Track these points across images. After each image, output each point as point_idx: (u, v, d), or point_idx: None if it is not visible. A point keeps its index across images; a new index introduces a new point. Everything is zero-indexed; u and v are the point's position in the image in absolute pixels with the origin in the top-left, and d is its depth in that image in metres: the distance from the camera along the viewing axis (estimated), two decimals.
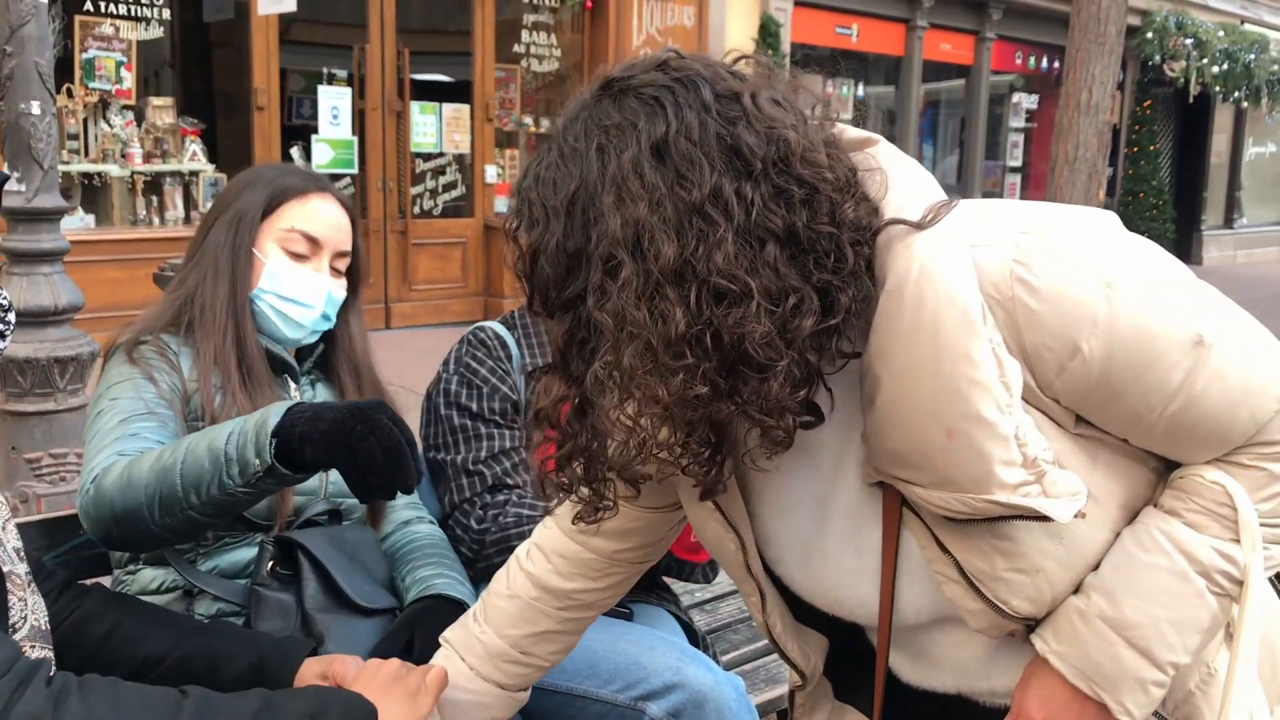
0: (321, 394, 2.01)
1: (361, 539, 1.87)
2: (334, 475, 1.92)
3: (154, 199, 8.57)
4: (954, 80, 14.29)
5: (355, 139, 9.22)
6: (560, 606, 1.56)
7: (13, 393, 3.07)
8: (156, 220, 8.55)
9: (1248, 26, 17.29)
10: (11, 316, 1.33)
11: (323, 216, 1.93)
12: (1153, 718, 1.21)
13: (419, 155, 9.73)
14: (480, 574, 2.17)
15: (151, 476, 1.53)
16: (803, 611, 1.38)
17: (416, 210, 9.74)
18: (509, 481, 2.14)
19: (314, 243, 1.91)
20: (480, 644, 1.57)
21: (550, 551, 1.55)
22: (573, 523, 1.32)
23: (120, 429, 1.69)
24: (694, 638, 2.30)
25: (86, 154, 8.25)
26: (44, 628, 1.29)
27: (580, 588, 1.55)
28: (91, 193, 8.36)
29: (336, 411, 1.48)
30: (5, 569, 1.22)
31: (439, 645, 1.74)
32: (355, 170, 9.23)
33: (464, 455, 2.15)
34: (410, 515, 2.08)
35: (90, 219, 8.22)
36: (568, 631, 1.61)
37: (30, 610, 1.25)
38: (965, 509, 1.09)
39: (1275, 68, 17.57)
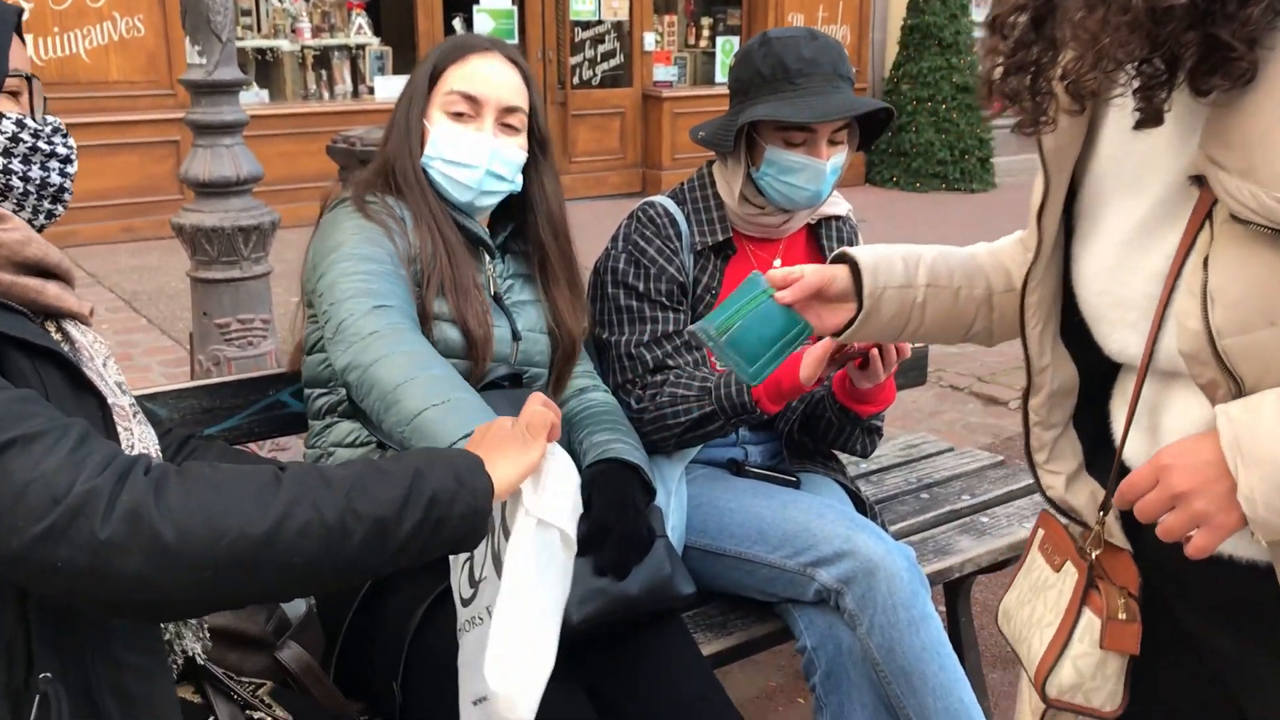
0: (512, 268, 2.03)
1: None
2: (524, 345, 1.96)
3: (323, 73, 8.76)
4: None
5: (515, 8, 9.18)
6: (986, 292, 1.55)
7: (201, 260, 3.20)
8: (326, 94, 8.75)
9: None
10: (71, 141, 1.34)
11: (483, 74, 1.91)
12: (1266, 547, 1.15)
13: (578, 24, 9.62)
14: None
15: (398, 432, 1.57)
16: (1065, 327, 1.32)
17: (575, 81, 9.68)
18: (669, 364, 2.14)
19: (473, 101, 1.90)
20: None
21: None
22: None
23: (369, 284, 1.72)
24: (861, 507, 2.29)
25: (259, 30, 8.45)
26: (154, 454, 1.33)
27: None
28: (264, 68, 8.59)
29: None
30: (111, 401, 1.26)
31: (616, 508, 1.77)
32: (515, 40, 9.19)
33: (628, 336, 2.15)
34: (587, 383, 2.11)
35: (264, 94, 8.47)
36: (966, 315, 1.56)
37: (138, 439, 1.30)
38: (1256, 206, 1.04)
39: None
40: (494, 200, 1.97)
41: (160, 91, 7.68)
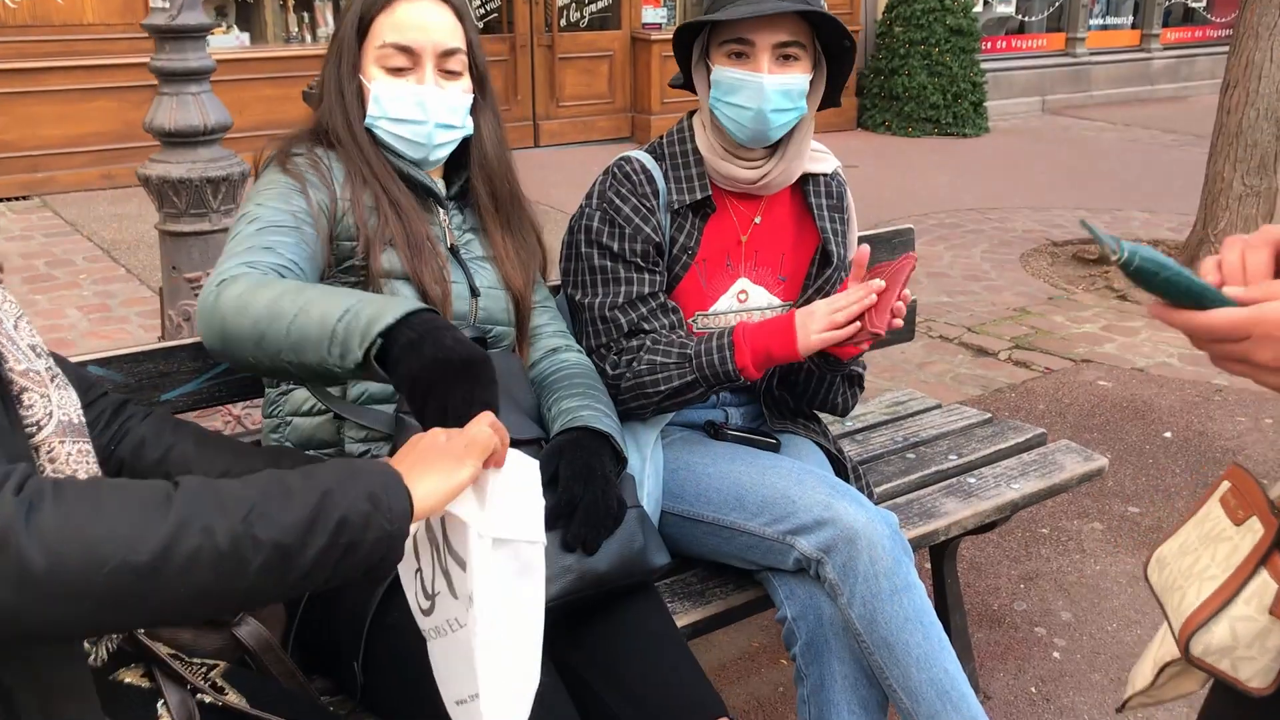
0: (470, 220, 1.94)
1: (508, 366, 1.83)
2: (484, 302, 1.88)
3: (305, 15, 8.56)
4: None
5: None
6: None
7: (170, 213, 3.11)
8: (308, 37, 8.55)
9: None
10: None
11: (413, 21, 1.81)
12: None
13: None
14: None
15: (264, 313, 1.44)
16: None
17: (563, 23, 9.49)
18: (645, 327, 2.06)
19: (408, 52, 1.81)
20: None
21: None
22: None
23: (257, 238, 1.63)
24: (842, 471, 2.23)
25: None
26: (75, 421, 1.25)
27: None
28: (245, 11, 8.39)
29: (446, 350, 1.32)
30: (20, 367, 1.18)
31: (583, 480, 1.71)
32: None
33: (601, 299, 2.08)
34: (559, 343, 2.03)
35: (245, 37, 8.28)
36: None
37: (56, 405, 1.21)
38: None
39: None
40: (448, 150, 1.89)
41: (138, 35, 7.48)
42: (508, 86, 9.12)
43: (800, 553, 1.90)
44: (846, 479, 2.24)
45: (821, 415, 2.35)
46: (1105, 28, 13.05)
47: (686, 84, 2.16)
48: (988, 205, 7.66)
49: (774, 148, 2.10)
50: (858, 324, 1.87)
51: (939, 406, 2.96)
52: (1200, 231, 5.90)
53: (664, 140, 2.17)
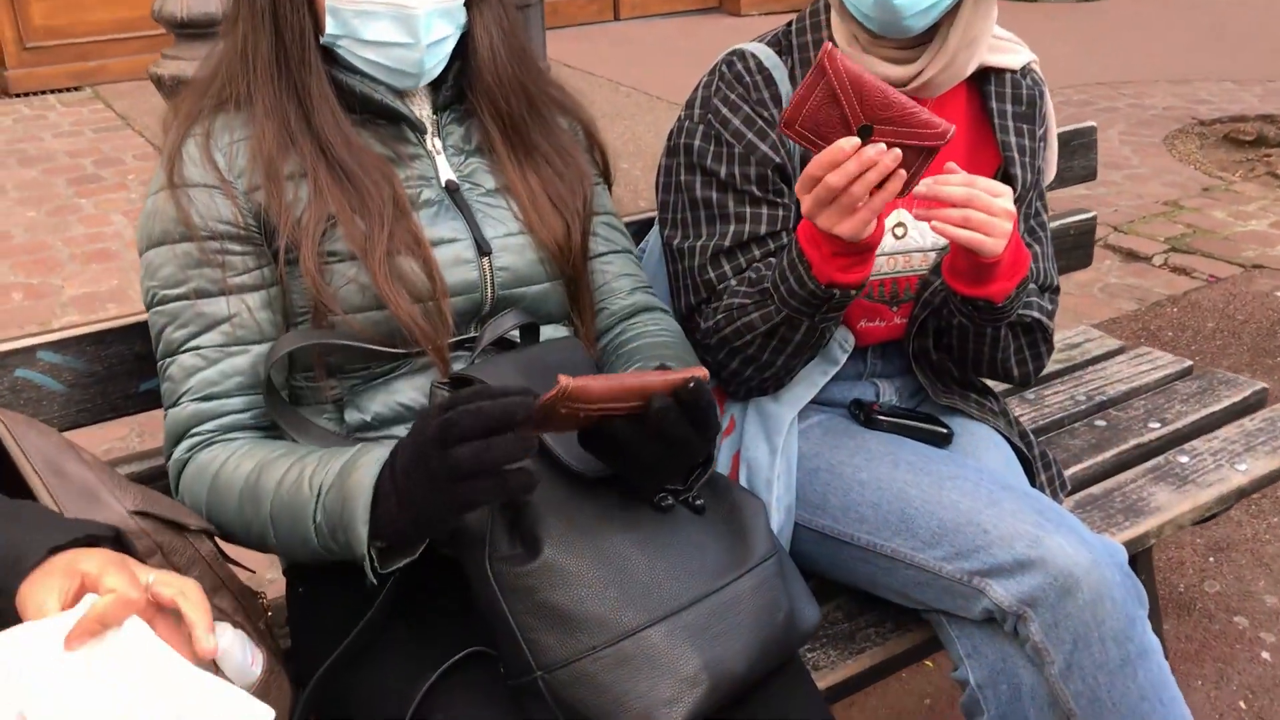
0: (477, 136, 1.40)
1: (569, 358, 1.31)
2: (502, 259, 1.36)
3: None
4: None
5: None
6: None
7: None
8: None
9: None
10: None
11: None
12: None
13: None
14: (731, 392, 1.62)
15: (237, 524, 1.22)
16: None
17: None
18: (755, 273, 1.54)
19: None
20: None
21: None
22: None
23: (187, 380, 1.27)
24: (1030, 468, 1.70)
25: None
26: None
27: None
28: None
29: (439, 516, 1.06)
30: None
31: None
32: None
33: (704, 241, 1.55)
34: (640, 301, 1.51)
35: None
36: None
37: None
38: None
39: None
40: (442, 64, 1.34)
41: None
42: None
43: (993, 601, 1.39)
44: (1032, 472, 1.71)
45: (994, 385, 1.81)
46: None
47: None
48: (1119, 78, 6.84)
49: (930, 34, 1.51)
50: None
51: (1123, 350, 2.39)
52: None
53: (791, 29, 1.61)
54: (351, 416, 1.30)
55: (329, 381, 1.30)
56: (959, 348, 1.62)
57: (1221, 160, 5.41)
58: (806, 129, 1.28)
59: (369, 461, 1.09)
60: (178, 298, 1.26)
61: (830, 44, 1.26)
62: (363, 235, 1.25)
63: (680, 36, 8.17)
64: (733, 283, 1.53)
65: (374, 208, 1.26)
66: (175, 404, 1.27)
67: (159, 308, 1.28)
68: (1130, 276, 4.13)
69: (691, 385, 1.08)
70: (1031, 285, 1.61)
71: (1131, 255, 4.30)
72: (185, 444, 1.27)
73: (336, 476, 1.11)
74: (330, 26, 1.26)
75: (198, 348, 1.26)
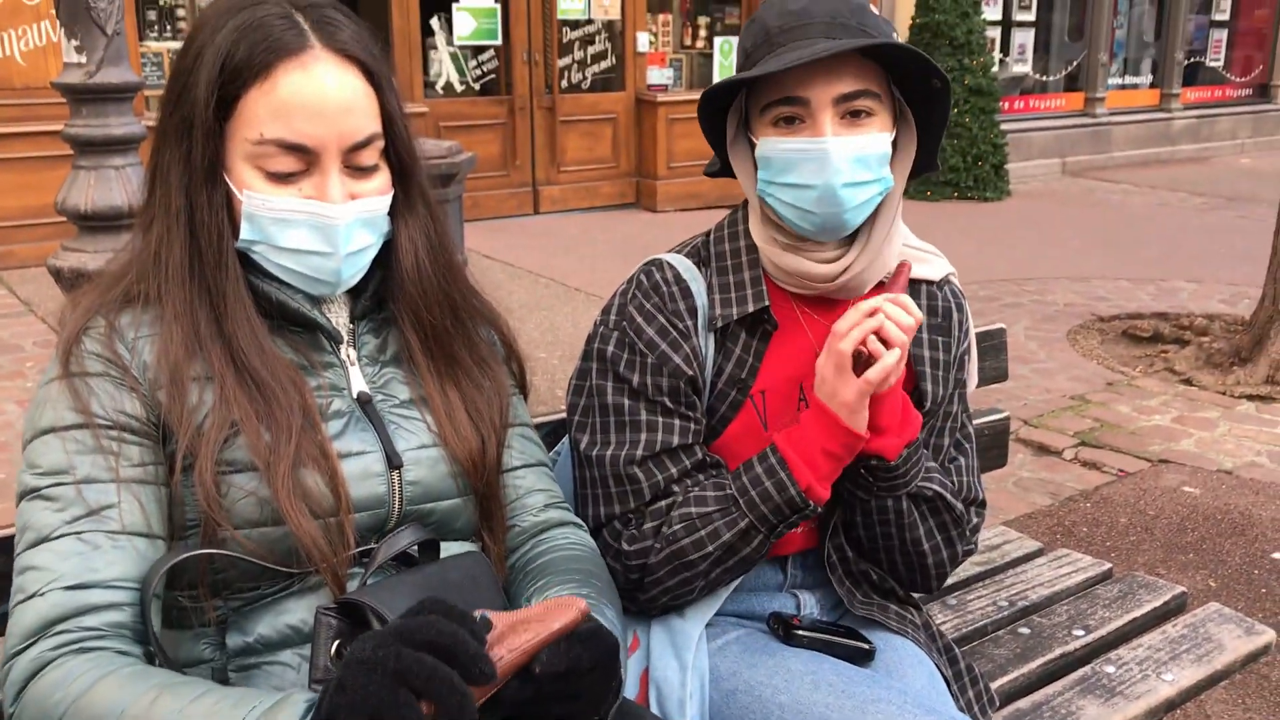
0: (394, 345, 1.34)
1: (471, 575, 1.22)
2: (414, 473, 1.28)
3: None
4: None
5: (498, 6, 8.51)
6: None
7: None
8: None
9: None
10: None
11: (305, 102, 1.18)
12: None
13: (566, 23, 8.97)
14: (641, 608, 1.54)
15: None
16: None
17: (564, 84, 9.02)
18: (674, 490, 1.49)
19: (301, 152, 1.19)
20: None
21: None
22: None
23: (60, 558, 1.11)
24: (953, 670, 1.64)
25: (175, 32, 7.75)
26: None
27: None
28: None
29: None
30: None
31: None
32: (499, 41, 8.55)
33: (615, 450, 1.50)
34: (552, 517, 1.44)
35: None
36: None
37: None
38: None
39: None
40: (360, 274, 1.30)
41: None
42: (506, 151, 8.63)
43: None
44: (955, 689, 1.64)
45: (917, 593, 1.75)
46: (1124, 87, 12.63)
47: (725, 169, 1.60)
48: (1022, 275, 7.11)
49: (851, 236, 1.52)
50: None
51: (1042, 552, 2.36)
52: (1270, 308, 5.33)
53: (709, 237, 1.61)
54: (234, 640, 1.19)
55: (213, 600, 1.20)
56: (868, 535, 1.57)
57: (1122, 355, 5.59)
58: None
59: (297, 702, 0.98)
60: (60, 485, 1.14)
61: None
62: (266, 446, 1.17)
63: (599, 230, 8.35)
64: (679, 498, 1.48)
65: (281, 417, 1.18)
66: (33, 596, 1.10)
67: (36, 495, 1.14)
68: (1043, 470, 4.16)
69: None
70: (930, 461, 1.58)
71: (1043, 449, 4.35)
72: (46, 644, 1.07)
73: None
74: (246, 231, 1.21)
75: (79, 533, 1.12)
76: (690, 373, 1.50)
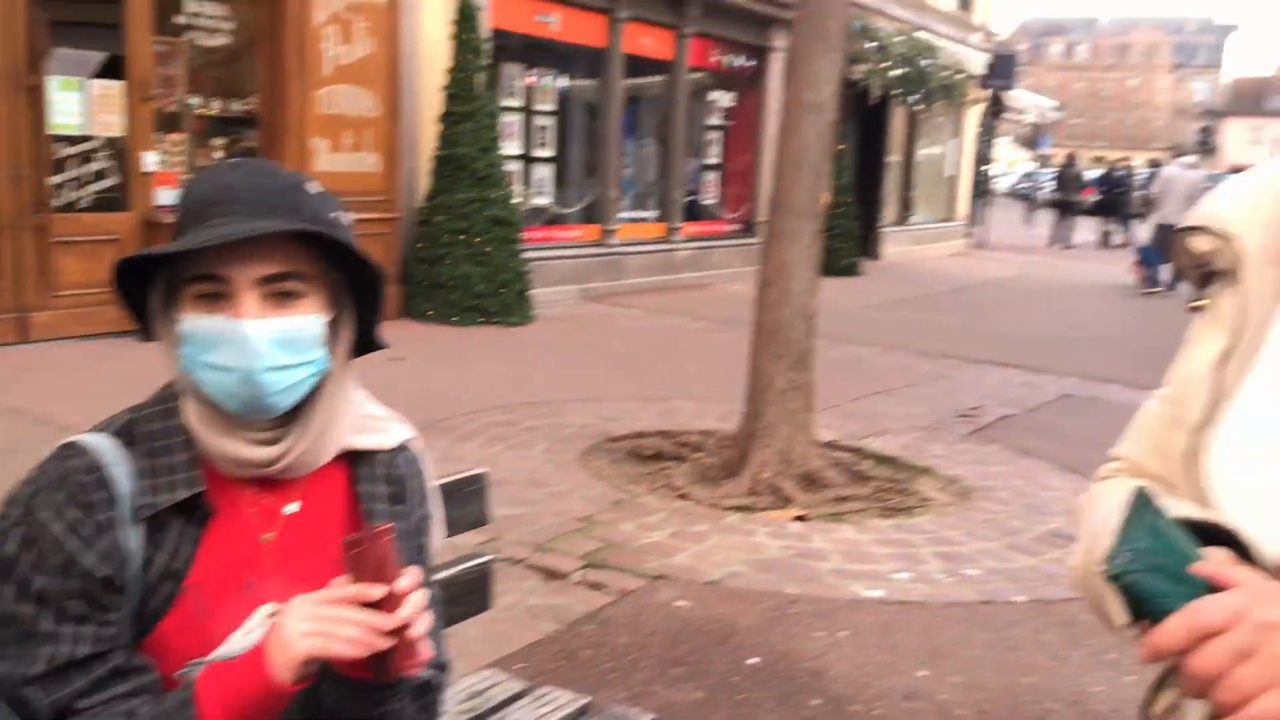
0: None
1: None
2: None
3: None
4: (655, 76, 14.02)
5: None
6: None
7: None
8: None
9: (920, 34, 18.13)
10: None
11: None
12: None
13: (60, 139, 8.29)
14: None
15: None
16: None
17: (58, 203, 8.29)
18: (79, 707, 1.34)
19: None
20: None
21: None
22: None
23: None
24: None
25: None
26: None
27: None
28: None
29: None
30: None
31: None
32: None
33: (7, 668, 1.33)
34: None
35: None
36: None
37: None
38: None
39: (944, 73, 18.56)
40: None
41: None
42: None
43: None
44: None
45: None
46: (635, 220, 13.75)
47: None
48: (542, 399, 7.41)
49: (293, 415, 1.48)
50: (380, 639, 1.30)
51: (527, 693, 2.40)
52: (751, 424, 5.94)
53: (139, 414, 1.49)
54: None
55: None
56: None
57: (629, 474, 5.95)
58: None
59: None
60: None
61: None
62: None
63: (101, 360, 7.68)
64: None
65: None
66: None
67: None
68: (551, 596, 4.29)
69: None
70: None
71: (551, 574, 4.49)
72: None
73: None
74: None
75: None
76: (106, 572, 1.36)
